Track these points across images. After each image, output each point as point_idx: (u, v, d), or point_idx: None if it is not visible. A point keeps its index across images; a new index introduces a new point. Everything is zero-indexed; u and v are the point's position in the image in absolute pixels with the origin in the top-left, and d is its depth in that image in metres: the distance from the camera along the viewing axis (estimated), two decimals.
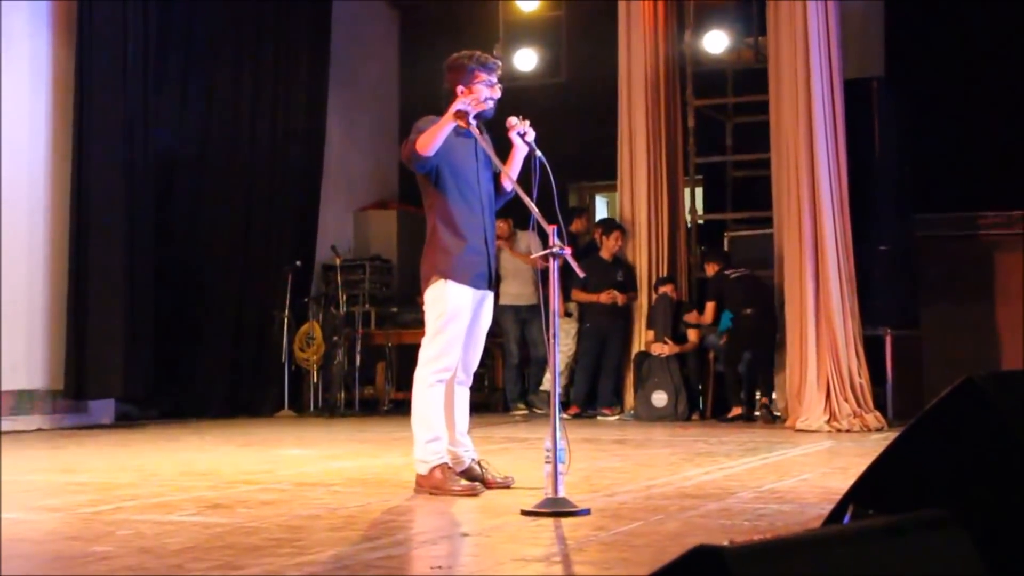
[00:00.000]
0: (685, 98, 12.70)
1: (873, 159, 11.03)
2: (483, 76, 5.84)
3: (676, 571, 1.69)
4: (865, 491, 2.65)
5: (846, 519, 2.48)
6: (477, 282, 5.76)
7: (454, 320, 5.68)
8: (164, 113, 11.76)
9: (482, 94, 5.79)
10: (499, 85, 5.91)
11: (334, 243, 13.40)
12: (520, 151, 5.75)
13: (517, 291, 12.24)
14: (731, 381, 11.31)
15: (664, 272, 12.06)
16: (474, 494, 5.56)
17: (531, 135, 5.65)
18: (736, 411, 11.15)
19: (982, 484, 2.47)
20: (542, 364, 12.04)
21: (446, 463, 5.67)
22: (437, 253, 5.75)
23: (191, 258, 12.29)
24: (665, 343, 11.51)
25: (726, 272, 11.50)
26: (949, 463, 2.60)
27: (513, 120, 5.66)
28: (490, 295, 5.91)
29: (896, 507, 2.49)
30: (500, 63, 6.02)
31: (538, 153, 5.56)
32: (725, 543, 1.71)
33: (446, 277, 5.69)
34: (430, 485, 5.62)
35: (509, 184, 5.75)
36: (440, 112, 5.72)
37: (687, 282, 12.54)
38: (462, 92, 5.78)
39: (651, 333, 11.76)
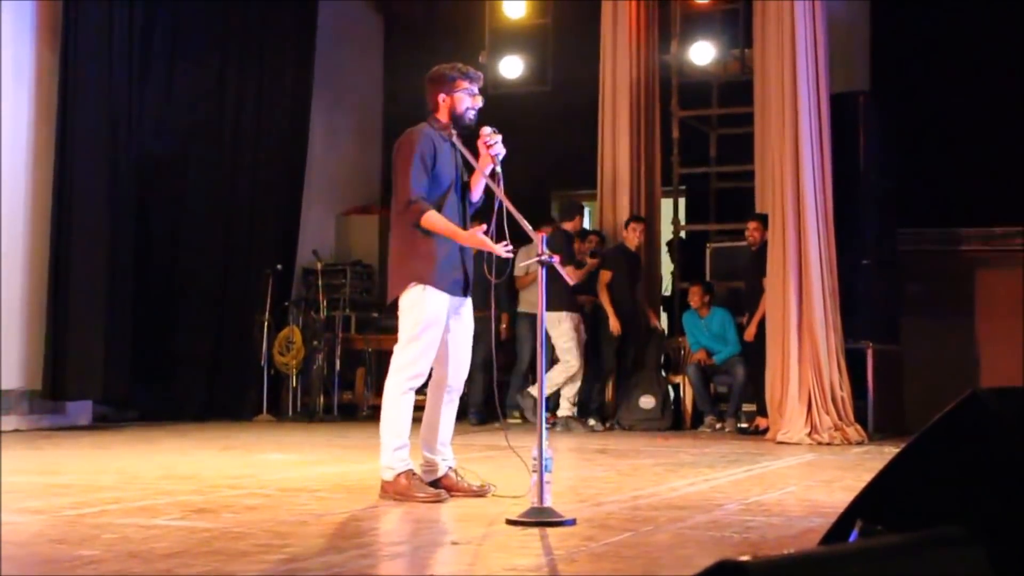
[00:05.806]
0: (670, 109, 12.72)
1: (858, 173, 11.04)
2: (464, 84, 5.85)
3: None
4: (870, 505, 2.63)
5: (854, 534, 2.46)
6: (454, 288, 5.74)
7: (431, 327, 5.65)
8: (148, 114, 11.70)
9: (463, 103, 5.82)
10: (479, 96, 5.94)
11: (315, 247, 13.36)
12: (484, 160, 5.70)
13: (535, 299, 12.08)
14: (760, 393, 10.75)
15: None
16: (439, 501, 5.54)
17: (498, 148, 5.63)
18: (763, 422, 10.67)
19: (989, 499, 2.46)
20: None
21: (411, 470, 5.66)
22: (415, 259, 5.69)
23: (171, 260, 12.23)
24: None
25: None
26: (954, 477, 2.59)
27: (486, 130, 5.67)
28: (468, 302, 5.89)
29: (902, 521, 2.47)
30: (482, 75, 6.02)
31: (498, 168, 5.57)
32: (746, 557, 1.68)
33: (425, 283, 5.65)
34: (395, 491, 5.60)
35: (476, 194, 5.81)
36: (422, 119, 5.74)
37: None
38: (443, 100, 5.82)
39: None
